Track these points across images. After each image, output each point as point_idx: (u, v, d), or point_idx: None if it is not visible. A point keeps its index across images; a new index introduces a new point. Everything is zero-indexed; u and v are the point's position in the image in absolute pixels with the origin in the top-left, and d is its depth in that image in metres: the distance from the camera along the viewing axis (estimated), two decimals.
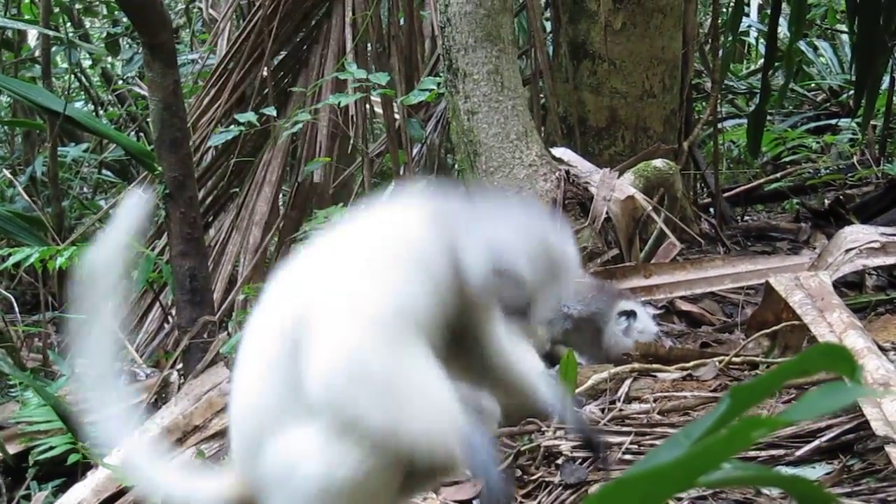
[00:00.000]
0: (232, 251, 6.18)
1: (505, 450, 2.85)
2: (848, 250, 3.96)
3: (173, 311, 4.93)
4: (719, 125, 7.34)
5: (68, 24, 10.37)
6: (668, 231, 4.85)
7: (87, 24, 10.91)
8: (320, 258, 2.15)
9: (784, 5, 7.45)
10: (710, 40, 7.23)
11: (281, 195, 6.68)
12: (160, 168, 4.24)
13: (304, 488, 1.97)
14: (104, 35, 10.39)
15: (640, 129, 5.77)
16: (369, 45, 6.49)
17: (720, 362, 3.40)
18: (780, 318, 3.47)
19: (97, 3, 10.48)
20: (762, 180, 7.58)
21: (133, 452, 2.34)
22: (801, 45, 9.15)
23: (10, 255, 4.38)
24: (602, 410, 3.17)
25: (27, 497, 3.74)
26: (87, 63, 10.60)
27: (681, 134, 6.02)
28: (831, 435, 2.65)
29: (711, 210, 6.53)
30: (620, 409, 3.18)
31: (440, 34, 5.05)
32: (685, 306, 4.50)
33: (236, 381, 2.17)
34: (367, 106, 6.31)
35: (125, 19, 8.61)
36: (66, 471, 3.72)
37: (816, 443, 2.64)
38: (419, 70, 6.40)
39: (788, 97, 9.27)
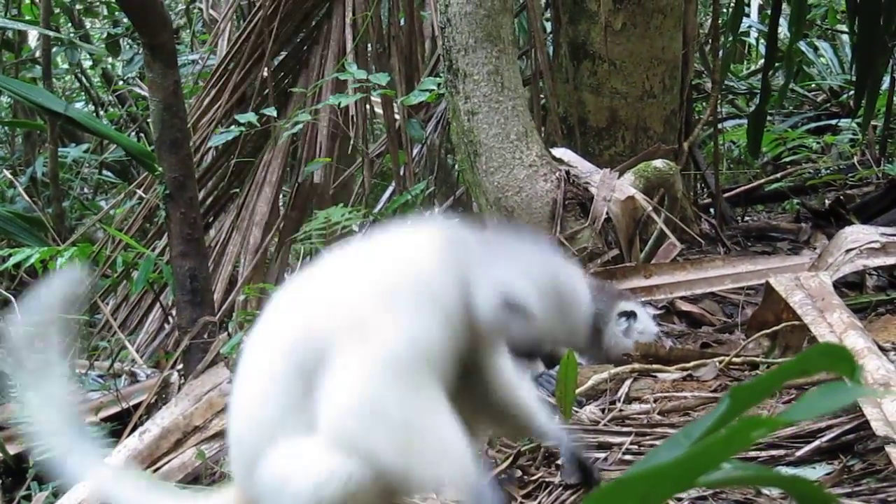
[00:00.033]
0: (232, 252, 6.18)
1: (505, 450, 2.85)
2: (848, 250, 3.96)
3: (174, 312, 4.93)
4: (719, 125, 7.34)
5: (69, 24, 10.39)
6: (668, 231, 4.85)
7: (88, 25, 10.91)
8: (332, 279, 2.15)
9: (784, 6, 7.45)
10: (710, 40, 7.23)
11: (281, 196, 6.68)
12: (161, 168, 4.24)
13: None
14: (105, 35, 10.38)
15: (641, 129, 5.77)
16: (369, 45, 6.49)
17: (720, 363, 3.40)
18: (780, 319, 3.47)
19: (98, 3, 10.48)
20: (762, 180, 7.58)
21: (107, 484, 2.35)
22: (802, 45, 9.14)
23: (10, 255, 4.38)
24: (602, 411, 3.17)
25: (27, 497, 3.74)
26: (87, 64, 10.60)
27: (681, 134, 6.01)
28: (832, 435, 2.65)
29: (712, 210, 6.53)
30: (620, 410, 3.18)
31: (440, 34, 5.05)
32: (685, 307, 4.50)
33: (237, 393, 2.17)
34: (368, 106, 6.31)
35: (126, 20, 8.60)
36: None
37: (817, 443, 2.64)
38: (419, 70, 6.40)
39: (789, 97, 9.27)
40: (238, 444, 2.12)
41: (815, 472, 2.55)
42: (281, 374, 2.04)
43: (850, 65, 8.43)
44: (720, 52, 6.85)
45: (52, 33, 8.23)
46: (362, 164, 6.44)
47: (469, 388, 2.17)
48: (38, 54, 9.05)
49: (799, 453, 2.63)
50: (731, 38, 7.92)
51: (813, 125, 8.78)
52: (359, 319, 2.00)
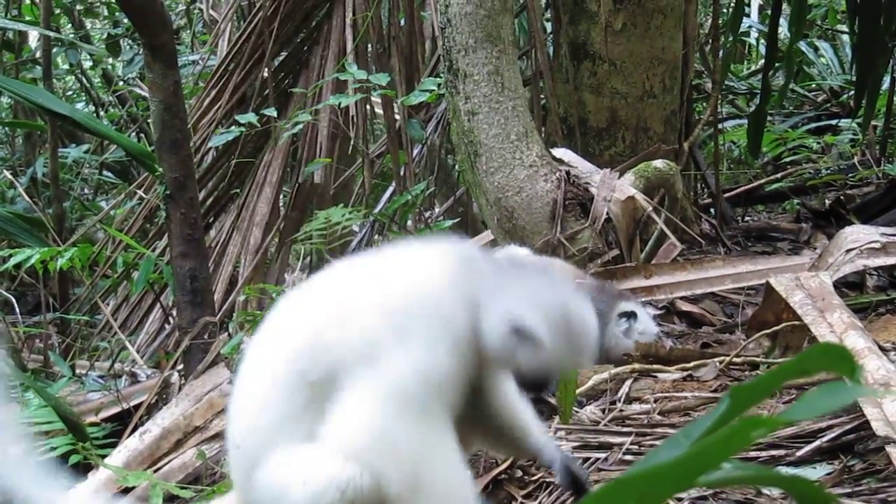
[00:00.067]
0: (232, 252, 6.18)
1: None
2: (848, 250, 3.96)
3: (174, 312, 4.93)
4: (720, 126, 7.34)
5: (69, 25, 10.39)
6: (668, 231, 4.85)
7: (88, 26, 10.92)
8: (343, 291, 2.14)
9: (784, 6, 7.45)
10: (710, 41, 7.23)
11: (281, 196, 6.69)
12: (161, 169, 4.24)
13: None
14: (105, 36, 10.39)
15: (641, 129, 5.77)
16: (370, 45, 6.49)
17: (721, 363, 3.40)
18: (780, 319, 3.47)
19: (98, 4, 10.48)
20: (763, 181, 7.58)
21: None
22: (802, 45, 9.15)
23: (11, 256, 4.38)
24: (602, 411, 3.17)
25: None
26: (87, 64, 10.61)
27: (681, 134, 6.01)
28: (832, 435, 2.65)
29: (712, 210, 6.53)
30: (621, 410, 3.18)
31: (440, 35, 5.05)
32: (686, 307, 4.50)
33: (238, 395, 2.17)
34: (368, 107, 6.31)
35: (126, 20, 8.61)
36: (67, 471, 3.72)
37: (817, 443, 2.64)
38: (419, 71, 6.40)
39: (789, 98, 9.27)
40: (237, 448, 2.12)
41: (816, 472, 2.55)
42: (284, 381, 2.04)
43: (850, 65, 8.43)
44: (720, 53, 6.86)
45: (52, 34, 8.22)
46: (363, 164, 6.44)
47: (467, 404, 2.17)
48: (38, 55, 9.05)
49: (799, 453, 2.63)
50: (731, 39, 7.93)
51: (813, 125, 8.78)
52: (371, 345, 2.01)
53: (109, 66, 11.00)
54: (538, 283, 2.10)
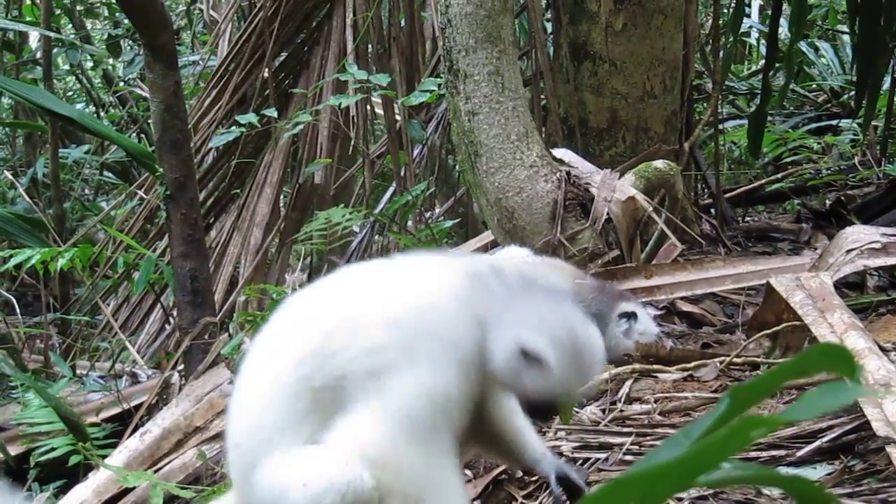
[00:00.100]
0: (233, 252, 6.18)
1: None
2: (849, 251, 3.95)
3: (174, 313, 4.94)
4: (720, 126, 7.34)
5: (70, 25, 10.40)
6: (668, 232, 4.85)
7: (89, 26, 10.92)
8: (353, 300, 2.13)
9: (785, 6, 7.45)
10: (710, 41, 7.23)
11: (282, 196, 6.69)
12: (161, 169, 4.24)
13: None
14: (105, 37, 10.40)
15: (641, 129, 5.77)
16: (370, 46, 6.49)
17: (721, 363, 3.40)
18: (781, 319, 3.47)
19: (98, 4, 10.49)
20: (763, 181, 7.58)
21: None
22: (802, 45, 9.15)
23: (11, 256, 4.39)
24: (603, 411, 3.17)
25: (29, 498, 3.74)
26: (88, 65, 10.62)
27: (682, 135, 6.01)
28: (832, 435, 2.65)
29: (712, 211, 6.53)
30: (621, 410, 3.18)
31: (441, 35, 5.05)
32: (686, 307, 4.49)
33: (240, 393, 2.17)
34: (368, 107, 6.31)
35: (126, 21, 8.61)
36: (68, 472, 3.73)
37: (817, 443, 2.64)
38: (420, 71, 6.40)
39: (789, 98, 9.27)
40: (236, 446, 2.13)
41: (816, 473, 2.55)
42: (287, 383, 2.04)
43: (850, 65, 8.43)
44: (721, 53, 6.85)
45: (52, 34, 8.23)
46: (363, 164, 6.44)
47: (475, 420, 2.18)
48: (38, 55, 9.06)
49: (800, 453, 2.63)
50: (731, 39, 7.92)
51: (814, 125, 8.78)
52: (378, 360, 2.01)
53: (110, 67, 11.01)
54: (547, 305, 2.09)
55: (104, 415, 4.20)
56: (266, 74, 6.43)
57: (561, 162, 5.00)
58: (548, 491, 2.63)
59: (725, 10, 8.39)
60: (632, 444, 2.88)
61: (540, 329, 2.04)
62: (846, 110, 8.68)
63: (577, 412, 3.10)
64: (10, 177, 8.10)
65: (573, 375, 2.06)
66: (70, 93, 11.41)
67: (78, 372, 4.99)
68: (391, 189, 6.75)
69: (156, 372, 4.87)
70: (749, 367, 3.42)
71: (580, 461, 2.81)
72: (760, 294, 4.14)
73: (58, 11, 9.42)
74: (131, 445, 3.50)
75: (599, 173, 4.96)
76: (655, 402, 3.20)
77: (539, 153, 4.81)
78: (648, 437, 2.94)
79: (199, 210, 4.48)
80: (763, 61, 8.22)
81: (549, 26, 7.05)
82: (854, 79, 7.26)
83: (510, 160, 4.75)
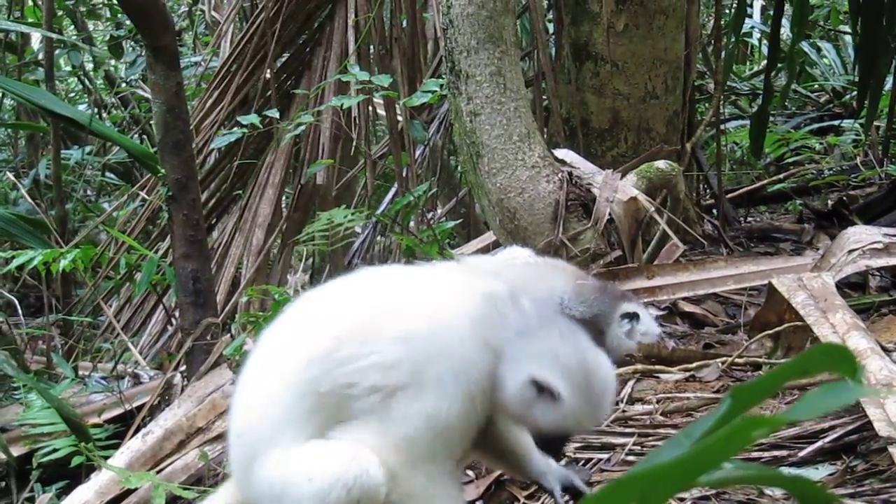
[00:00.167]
0: (235, 253, 6.19)
1: None
2: (851, 251, 3.95)
3: (176, 314, 4.94)
4: (722, 126, 7.34)
5: (72, 27, 10.40)
6: (670, 232, 4.85)
7: (91, 27, 10.93)
8: (368, 307, 2.13)
9: (787, 6, 7.45)
10: (712, 41, 7.22)
11: (284, 197, 6.69)
12: (163, 170, 4.24)
13: None
14: (107, 38, 10.41)
15: (643, 130, 5.77)
16: (372, 47, 6.49)
17: (723, 363, 3.40)
18: (783, 319, 3.47)
19: (100, 6, 10.50)
20: (765, 181, 7.58)
21: None
22: (804, 46, 9.15)
23: (13, 257, 4.39)
24: None
25: (31, 499, 3.74)
26: (90, 66, 10.62)
27: (683, 135, 6.01)
28: (834, 436, 2.65)
29: (714, 211, 6.53)
30: (623, 411, 3.18)
31: (443, 36, 5.05)
32: (688, 307, 4.49)
33: (246, 384, 2.17)
34: (370, 108, 6.31)
35: (128, 22, 8.62)
36: (70, 473, 3.73)
37: (820, 443, 2.64)
38: (422, 72, 6.40)
39: (791, 98, 9.27)
40: (238, 437, 2.13)
41: (818, 473, 2.55)
42: (294, 383, 2.04)
43: (852, 65, 8.42)
44: (723, 53, 6.85)
45: (54, 36, 8.23)
46: (365, 165, 6.44)
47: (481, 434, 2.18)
48: (40, 56, 9.06)
49: (802, 454, 2.63)
50: (733, 39, 7.92)
51: (816, 126, 8.77)
52: (386, 378, 2.01)
53: (112, 68, 11.02)
54: (561, 337, 2.08)
55: (106, 416, 4.20)
56: (268, 75, 6.43)
57: (563, 162, 5.00)
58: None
59: (727, 11, 8.38)
60: (634, 444, 2.88)
61: (553, 361, 2.03)
62: (848, 110, 8.68)
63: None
64: (13, 178, 8.11)
65: (585, 410, 2.05)
66: (72, 94, 11.42)
67: (80, 373, 4.98)
68: (393, 190, 6.75)
69: (158, 373, 4.87)
70: (751, 368, 3.43)
71: (582, 461, 2.81)
72: (762, 294, 4.14)
73: (60, 13, 9.43)
74: (133, 446, 3.50)
75: (601, 174, 4.96)
76: (657, 402, 3.20)
77: (541, 154, 4.81)
78: (650, 438, 2.94)
79: (201, 211, 4.48)
80: (765, 61, 8.21)
81: (550, 27, 7.05)
82: (856, 79, 7.26)
83: (512, 161, 4.74)
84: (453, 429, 2.01)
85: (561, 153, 5.18)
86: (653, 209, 4.81)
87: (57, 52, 8.88)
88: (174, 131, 4.22)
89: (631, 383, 3.34)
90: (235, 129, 5.34)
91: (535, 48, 6.34)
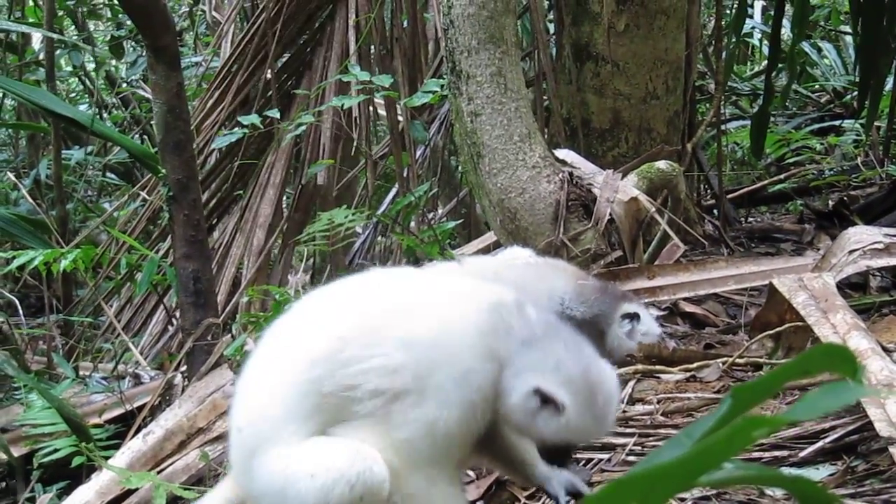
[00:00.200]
0: (236, 253, 6.19)
1: None
2: (852, 251, 3.95)
3: (177, 314, 4.93)
4: (723, 127, 7.34)
5: (72, 27, 10.41)
6: (671, 232, 4.85)
7: (91, 28, 10.93)
8: (373, 310, 2.13)
9: (787, 7, 7.45)
10: (713, 42, 7.22)
11: (284, 197, 6.69)
12: (164, 170, 4.24)
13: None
14: (108, 38, 10.41)
15: (644, 130, 5.77)
16: (373, 47, 6.49)
17: (724, 363, 3.40)
18: (783, 320, 3.47)
19: (101, 6, 10.50)
20: (766, 182, 7.58)
21: None
22: (805, 46, 9.15)
23: (14, 257, 4.38)
24: None
25: (32, 500, 3.74)
26: (90, 66, 10.62)
27: (684, 135, 6.01)
28: (835, 436, 2.65)
29: (715, 211, 6.53)
30: (624, 411, 3.18)
31: (443, 36, 5.05)
32: (689, 308, 4.49)
33: (250, 378, 2.17)
34: (371, 108, 6.31)
35: (129, 22, 8.62)
36: (71, 473, 3.73)
37: (820, 444, 2.64)
38: (422, 72, 6.41)
39: (792, 98, 9.27)
40: (238, 431, 2.13)
41: (819, 473, 2.55)
42: (297, 382, 2.04)
43: (853, 66, 8.43)
44: (723, 54, 6.85)
45: (55, 36, 8.23)
46: (366, 165, 6.44)
47: (484, 439, 2.18)
48: (41, 57, 9.06)
49: (802, 454, 2.63)
50: (734, 40, 7.92)
51: (816, 126, 8.78)
52: (389, 382, 2.01)
53: (113, 68, 11.02)
54: (566, 346, 2.08)
55: (107, 416, 4.20)
56: (269, 75, 6.43)
57: (563, 163, 5.00)
58: None
59: (728, 11, 8.38)
60: (634, 444, 2.88)
61: (557, 372, 2.03)
62: (849, 111, 8.68)
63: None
64: (13, 178, 8.10)
65: (589, 421, 2.05)
66: (73, 94, 11.43)
67: (81, 373, 4.98)
68: (394, 190, 6.75)
69: (159, 373, 4.87)
70: (752, 368, 3.42)
71: (583, 461, 2.81)
72: (763, 295, 4.14)
73: (60, 13, 9.42)
74: (134, 446, 3.50)
75: (602, 174, 4.96)
76: (658, 402, 3.20)
77: (541, 154, 4.81)
78: (651, 438, 2.94)
79: (201, 211, 4.48)
80: (766, 62, 8.21)
81: (551, 27, 7.05)
82: (857, 79, 7.26)
83: (513, 161, 4.75)
84: (453, 436, 2.01)
85: (562, 153, 5.18)
86: (653, 209, 4.81)
87: (58, 52, 8.88)
88: (175, 131, 4.22)
89: (632, 383, 3.34)
90: (236, 129, 5.34)
91: (535, 48, 6.34)
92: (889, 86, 7.15)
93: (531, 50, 6.71)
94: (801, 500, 1.02)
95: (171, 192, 4.24)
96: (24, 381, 4.10)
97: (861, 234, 4.07)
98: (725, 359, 3.44)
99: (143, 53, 8.13)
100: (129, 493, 3.27)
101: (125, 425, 4.04)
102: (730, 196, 6.85)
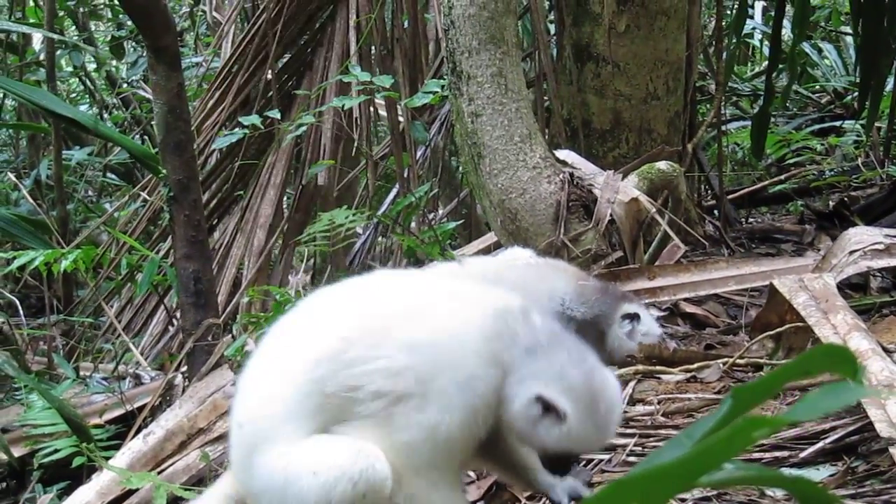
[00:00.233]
0: (236, 254, 6.19)
1: None
2: (852, 252, 3.95)
3: (178, 314, 4.93)
4: (723, 127, 7.34)
5: (73, 27, 10.41)
6: (672, 233, 4.85)
7: (92, 28, 10.93)
8: (378, 311, 2.13)
9: (788, 7, 7.45)
10: (714, 42, 7.22)
11: (285, 198, 6.69)
12: (165, 171, 4.24)
13: (299, 502, 1.99)
14: (108, 38, 10.41)
15: (644, 131, 5.77)
16: (373, 47, 6.50)
17: (724, 364, 3.39)
18: (784, 320, 3.47)
19: (102, 6, 10.50)
20: (766, 182, 7.58)
21: None
22: (806, 46, 9.15)
23: (15, 258, 4.39)
24: None
25: (32, 500, 3.74)
26: (91, 66, 10.63)
27: (685, 136, 6.01)
28: (835, 437, 2.65)
29: (715, 212, 6.53)
30: (625, 412, 3.18)
31: (444, 37, 5.05)
32: (689, 308, 4.49)
33: (252, 375, 2.17)
34: (372, 109, 6.32)
35: (129, 23, 8.63)
36: (71, 473, 3.73)
37: (820, 444, 2.64)
38: (423, 73, 6.41)
39: (793, 99, 9.27)
40: (239, 427, 2.12)
41: (819, 474, 2.55)
42: (300, 381, 2.04)
43: (853, 66, 8.42)
44: (724, 54, 6.85)
45: (56, 36, 8.24)
46: (366, 166, 6.45)
47: (486, 444, 2.18)
48: (42, 57, 9.07)
49: (803, 454, 2.63)
50: (734, 40, 7.92)
51: (817, 127, 8.77)
52: (392, 384, 2.01)
53: (113, 69, 11.02)
54: (569, 355, 2.08)
55: (107, 416, 4.20)
56: (269, 76, 6.44)
57: (564, 163, 5.00)
58: None
59: (728, 12, 8.39)
60: (635, 445, 2.88)
61: (560, 380, 2.03)
62: (849, 111, 8.68)
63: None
64: (14, 178, 8.11)
65: (590, 430, 2.05)
66: (73, 94, 11.43)
67: (81, 373, 4.98)
68: (394, 190, 6.75)
69: (159, 373, 4.87)
70: (752, 369, 3.42)
71: (583, 462, 2.81)
72: (764, 295, 4.14)
73: (61, 13, 9.43)
74: (135, 447, 3.50)
75: (602, 175, 4.96)
76: (659, 403, 3.20)
77: (542, 155, 4.81)
78: (652, 439, 2.94)
79: (202, 212, 4.48)
80: (766, 62, 8.21)
81: (552, 28, 7.05)
82: (857, 80, 7.26)
83: (513, 162, 4.75)
84: (454, 440, 2.01)
85: (562, 154, 5.18)
86: (654, 210, 4.81)
87: (58, 52, 8.89)
88: (175, 132, 4.22)
89: (632, 384, 3.34)
90: (237, 129, 5.34)
91: (536, 49, 6.34)
92: (890, 86, 7.15)
93: (532, 50, 6.71)
94: (802, 500, 1.02)
95: (171, 193, 4.24)
96: (25, 382, 4.10)
97: (861, 235, 4.07)
98: (726, 359, 3.43)
99: (144, 54, 8.12)
100: (129, 493, 3.27)
101: (126, 426, 4.05)
102: (730, 197, 6.85)
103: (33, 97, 4.73)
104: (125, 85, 10.32)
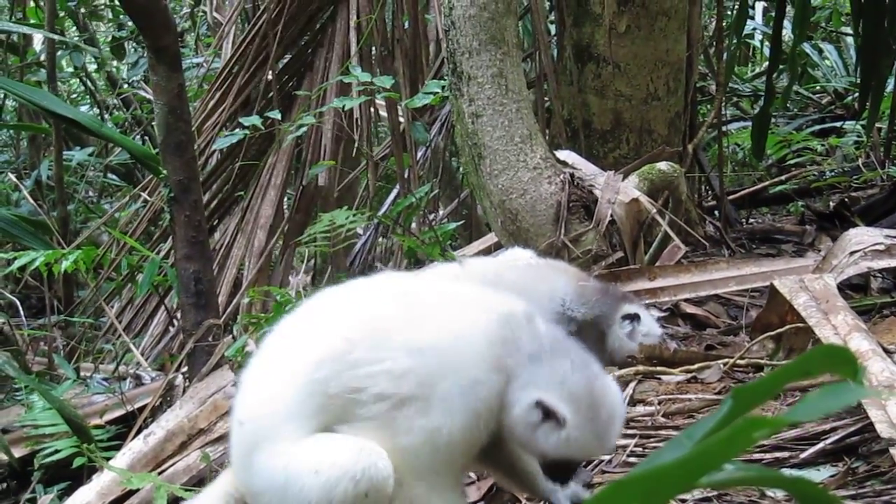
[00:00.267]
0: (237, 254, 6.19)
1: None
2: (853, 252, 3.95)
3: (178, 315, 4.94)
4: (724, 128, 7.34)
5: (73, 28, 10.41)
6: (672, 234, 4.85)
7: (93, 28, 10.93)
8: (382, 312, 2.13)
9: (788, 8, 7.45)
10: (714, 43, 7.22)
11: (286, 198, 6.69)
12: (165, 171, 4.25)
13: (300, 501, 1.98)
14: (109, 39, 10.41)
15: (645, 131, 5.77)
16: (374, 48, 6.50)
17: (725, 365, 3.39)
18: (784, 321, 3.47)
19: (102, 7, 10.50)
20: (767, 183, 7.58)
21: None
22: (806, 47, 9.15)
23: (15, 258, 4.39)
24: None
25: (32, 500, 3.75)
26: (92, 67, 10.63)
27: (685, 137, 6.01)
28: (836, 437, 2.65)
29: (716, 213, 6.52)
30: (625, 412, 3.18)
31: (444, 37, 5.05)
32: (690, 309, 4.49)
33: (255, 373, 2.17)
34: (372, 109, 6.32)
35: (130, 23, 8.63)
36: (72, 474, 3.73)
37: (821, 445, 2.64)
38: (423, 73, 6.41)
39: (793, 100, 9.27)
40: (240, 424, 2.12)
41: (820, 474, 2.55)
42: (302, 382, 2.04)
43: (854, 67, 8.43)
44: (724, 55, 6.85)
45: (56, 37, 8.24)
46: (367, 166, 6.45)
47: (488, 448, 2.18)
48: (42, 58, 9.07)
49: (803, 455, 2.63)
50: (735, 41, 7.92)
51: (817, 127, 8.77)
52: (395, 387, 2.01)
53: (114, 69, 11.02)
54: (572, 363, 2.07)
55: (108, 417, 4.20)
56: (270, 77, 6.44)
57: (564, 164, 5.00)
58: None
59: (729, 12, 8.38)
60: (635, 445, 2.88)
61: (561, 387, 2.03)
62: (850, 112, 8.68)
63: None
64: (15, 179, 8.11)
65: (590, 437, 2.05)
66: (74, 95, 11.43)
67: (82, 374, 4.99)
68: (395, 191, 6.75)
69: (160, 374, 4.88)
70: (753, 369, 3.42)
71: (583, 463, 2.80)
72: (764, 296, 4.14)
73: (62, 14, 9.43)
74: (135, 447, 3.50)
75: (603, 175, 4.96)
76: (659, 403, 3.20)
77: (543, 155, 4.81)
78: (652, 439, 2.94)
79: (202, 212, 4.48)
80: (767, 63, 8.21)
81: (552, 28, 7.05)
82: (858, 80, 7.26)
83: (514, 162, 4.75)
84: (456, 444, 2.01)
85: (563, 154, 5.18)
86: (654, 211, 4.81)
87: (59, 53, 8.89)
88: (176, 132, 4.23)
89: (632, 385, 3.34)
90: (237, 130, 5.34)
91: (536, 49, 6.34)
92: (890, 87, 7.16)
93: (532, 51, 6.71)
94: (802, 501, 1.02)
95: (172, 193, 4.24)
96: (26, 382, 4.10)
97: (862, 236, 4.07)
98: (726, 360, 3.43)
99: (145, 54, 8.13)
100: (129, 493, 3.27)
101: (126, 426, 4.05)
102: (731, 197, 6.85)
103: (34, 98, 4.73)
104: (126, 85, 10.32)
